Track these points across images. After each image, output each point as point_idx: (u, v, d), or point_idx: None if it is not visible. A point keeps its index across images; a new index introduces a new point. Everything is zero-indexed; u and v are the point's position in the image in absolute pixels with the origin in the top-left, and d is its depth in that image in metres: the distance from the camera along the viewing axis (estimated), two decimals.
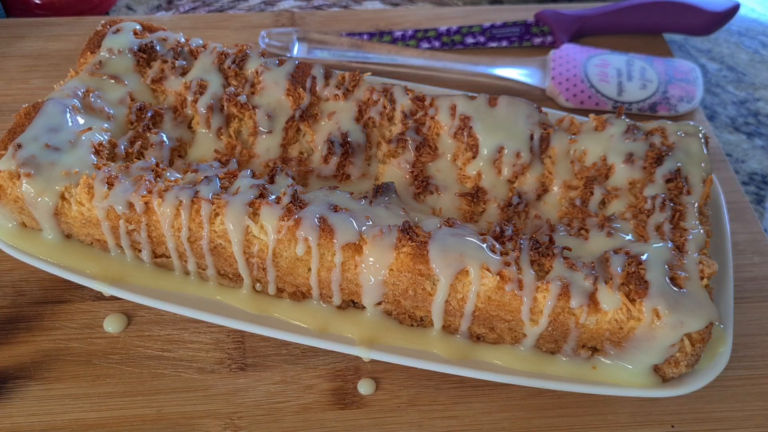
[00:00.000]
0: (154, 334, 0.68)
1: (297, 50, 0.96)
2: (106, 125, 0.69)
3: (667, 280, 0.58)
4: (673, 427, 0.64)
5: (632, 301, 0.57)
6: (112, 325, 0.68)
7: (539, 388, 0.63)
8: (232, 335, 0.68)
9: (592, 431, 0.64)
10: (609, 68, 0.94)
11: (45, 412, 0.63)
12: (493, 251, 0.59)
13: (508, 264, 0.58)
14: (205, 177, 0.63)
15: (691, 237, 0.62)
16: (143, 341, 0.68)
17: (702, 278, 0.59)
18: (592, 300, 0.58)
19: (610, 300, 0.57)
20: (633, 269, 0.58)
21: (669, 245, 0.61)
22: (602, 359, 0.62)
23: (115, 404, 0.63)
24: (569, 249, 0.61)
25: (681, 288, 0.58)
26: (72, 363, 0.66)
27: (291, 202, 0.62)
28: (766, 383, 0.67)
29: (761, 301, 0.74)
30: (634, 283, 0.58)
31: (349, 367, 0.67)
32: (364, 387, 0.65)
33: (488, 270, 0.58)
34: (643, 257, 0.60)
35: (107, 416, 0.63)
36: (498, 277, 0.58)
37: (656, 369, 0.61)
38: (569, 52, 0.97)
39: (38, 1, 1.24)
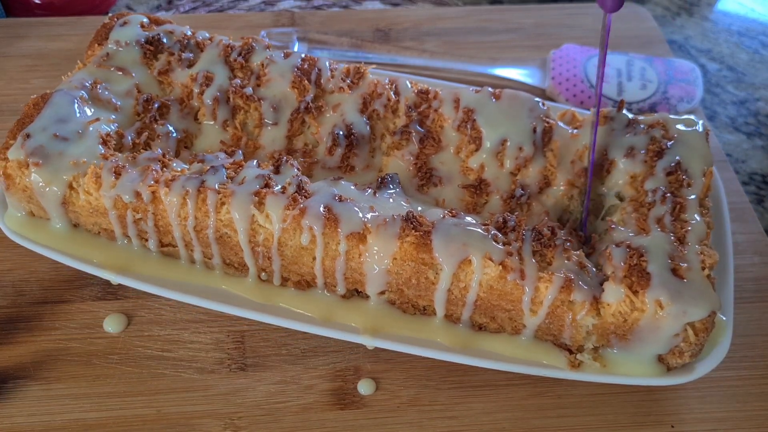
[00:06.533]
0: (154, 334, 0.68)
1: (297, 50, 0.96)
2: (113, 116, 0.69)
3: (669, 271, 0.58)
4: (673, 427, 0.64)
5: (635, 292, 0.58)
6: (112, 325, 0.68)
7: (541, 381, 0.63)
8: (232, 335, 0.68)
9: (592, 431, 0.64)
10: (609, 68, 0.94)
11: (45, 412, 0.63)
12: (495, 241, 0.60)
13: (510, 254, 0.59)
14: (211, 167, 0.64)
15: (691, 228, 0.62)
16: (143, 341, 0.68)
17: (703, 268, 0.59)
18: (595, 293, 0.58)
19: (613, 292, 0.58)
20: (634, 261, 0.59)
21: (670, 237, 0.61)
22: (607, 350, 0.62)
23: (115, 404, 0.63)
24: (571, 241, 0.61)
25: (683, 278, 0.58)
26: (72, 363, 0.66)
27: (296, 191, 0.62)
28: (766, 383, 0.67)
29: (761, 301, 0.73)
30: (636, 275, 0.58)
31: (349, 367, 0.67)
32: (364, 387, 0.65)
33: (491, 259, 0.58)
34: (644, 249, 0.60)
35: (107, 416, 0.63)
36: (500, 267, 0.58)
37: (660, 360, 0.61)
38: (569, 52, 0.97)
39: (38, 1, 1.24)
